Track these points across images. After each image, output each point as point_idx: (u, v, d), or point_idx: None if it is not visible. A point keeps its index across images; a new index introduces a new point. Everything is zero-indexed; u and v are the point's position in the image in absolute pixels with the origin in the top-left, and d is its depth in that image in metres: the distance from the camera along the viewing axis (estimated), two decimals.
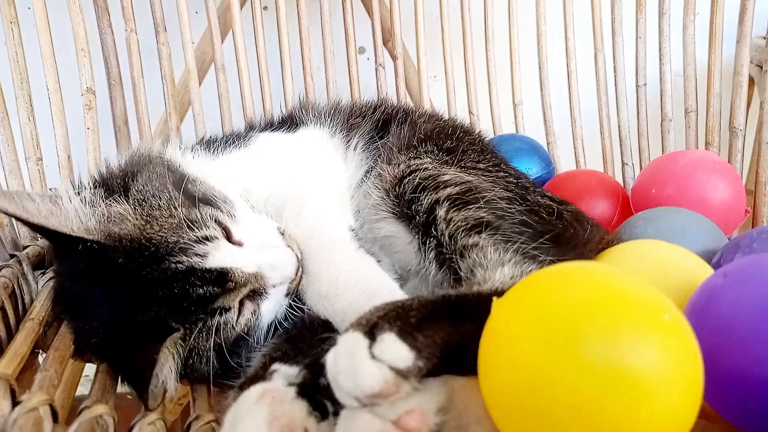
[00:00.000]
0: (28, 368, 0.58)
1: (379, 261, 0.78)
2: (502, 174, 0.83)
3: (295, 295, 0.71)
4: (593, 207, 1.00)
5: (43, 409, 0.47)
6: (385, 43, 1.40)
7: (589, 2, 1.27)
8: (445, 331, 0.49)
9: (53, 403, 0.49)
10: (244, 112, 1.19)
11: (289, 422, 0.46)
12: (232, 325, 0.64)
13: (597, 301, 0.43)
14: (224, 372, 0.64)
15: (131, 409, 0.58)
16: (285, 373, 0.53)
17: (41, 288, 0.72)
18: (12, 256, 0.74)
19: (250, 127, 1.01)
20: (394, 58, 1.35)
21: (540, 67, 1.31)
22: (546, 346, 0.41)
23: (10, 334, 0.62)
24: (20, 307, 0.68)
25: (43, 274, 0.75)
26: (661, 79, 1.18)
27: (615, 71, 1.24)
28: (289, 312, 0.70)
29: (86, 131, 0.98)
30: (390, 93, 1.33)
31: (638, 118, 1.20)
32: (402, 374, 0.45)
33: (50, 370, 0.55)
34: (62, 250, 0.64)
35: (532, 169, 1.12)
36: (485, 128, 1.32)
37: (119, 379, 0.60)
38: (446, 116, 1.09)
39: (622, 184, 1.18)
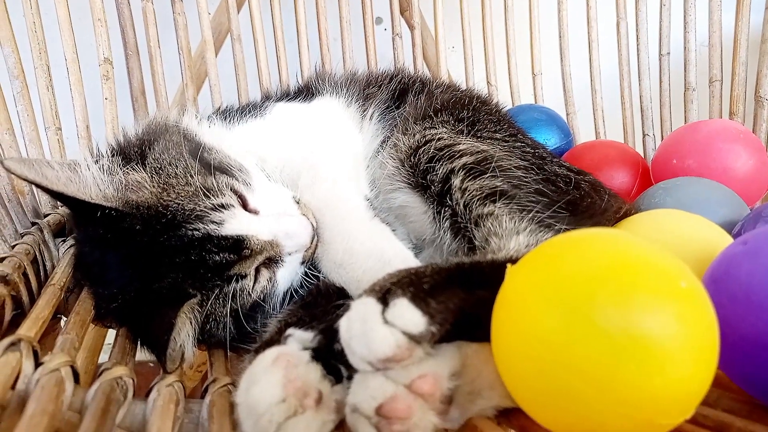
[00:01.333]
0: (50, 332, 0.60)
1: (394, 230, 0.78)
2: (519, 144, 0.82)
3: (311, 263, 0.71)
4: (612, 178, 0.99)
5: (65, 370, 0.48)
6: (402, 13, 1.38)
7: None
8: (458, 297, 0.49)
9: (74, 365, 0.50)
10: (260, 82, 1.19)
11: (304, 385, 0.46)
12: (248, 291, 0.65)
13: (612, 267, 0.42)
14: (241, 337, 0.65)
15: (152, 375, 0.60)
16: (300, 338, 0.53)
17: (62, 255, 0.73)
18: (33, 224, 0.75)
19: (267, 97, 1.01)
20: (411, 27, 1.33)
21: (560, 36, 1.29)
22: (560, 312, 0.41)
23: (33, 300, 0.64)
24: (42, 273, 0.70)
25: (64, 241, 0.76)
26: (685, 47, 1.15)
27: (638, 40, 1.21)
28: (305, 279, 0.71)
29: (104, 101, 0.99)
30: (407, 63, 1.31)
31: (660, 88, 1.18)
32: (415, 339, 0.45)
33: (71, 334, 0.56)
34: (81, 218, 0.65)
35: (550, 140, 1.11)
36: (504, 99, 1.31)
37: (138, 344, 0.62)
38: (464, 86, 1.07)
39: (642, 155, 1.16)
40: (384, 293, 0.47)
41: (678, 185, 0.82)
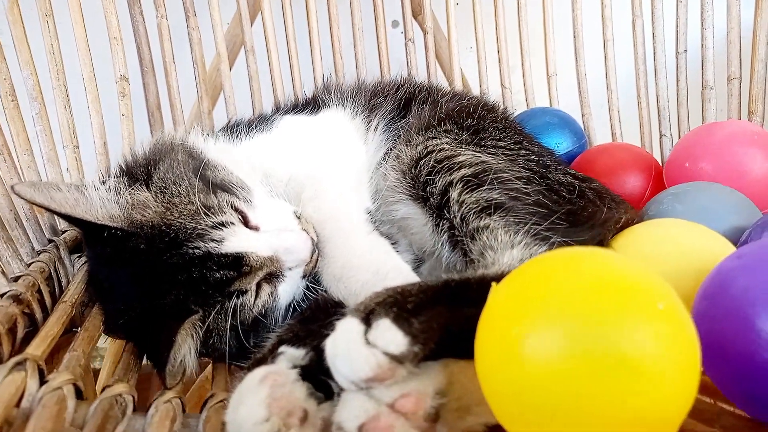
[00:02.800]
0: (65, 346, 0.63)
1: (396, 242, 0.79)
2: (523, 152, 0.82)
3: (313, 276, 0.72)
4: (624, 182, 0.98)
5: (67, 388, 0.51)
6: (415, 17, 1.38)
7: None
8: (443, 316, 0.50)
9: (77, 382, 0.53)
10: (274, 93, 1.21)
11: (289, 404, 0.47)
12: (250, 306, 0.67)
13: (591, 287, 0.42)
14: (243, 351, 0.67)
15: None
16: (290, 356, 0.55)
17: (77, 271, 0.76)
18: (50, 241, 0.79)
19: (277, 109, 1.02)
20: (424, 32, 1.33)
21: (575, 36, 1.27)
22: (539, 332, 0.42)
23: (46, 316, 0.67)
24: (57, 289, 0.73)
25: (80, 257, 0.79)
26: (702, 44, 1.11)
27: (654, 38, 1.19)
28: (307, 293, 0.72)
29: (121, 118, 1.02)
30: (420, 68, 1.31)
31: (677, 86, 1.15)
32: (396, 359, 0.46)
33: (78, 351, 0.59)
34: (90, 237, 0.68)
35: (562, 144, 1.10)
36: (518, 101, 1.30)
37: (143, 358, 0.64)
38: (473, 92, 1.07)
39: (660, 157, 1.14)
40: (367, 314, 0.48)
41: (688, 191, 0.80)
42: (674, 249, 0.62)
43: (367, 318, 0.48)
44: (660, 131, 1.17)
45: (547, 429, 0.42)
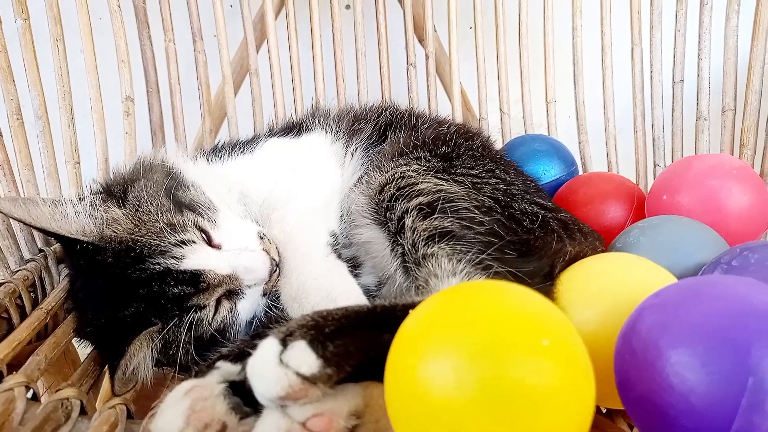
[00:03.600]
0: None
1: (361, 264, 0.82)
2: (492, 180, 0.83)
3: (274, 295, 0.76)
4: (604, 212, 0.98)
5: (18, 390, 0.55)
6: (420, 42, 1.41)
7: None
8: (361, 341, 0.52)
9: (30, 384, 0.57)
10: (275, 116, 1.25)
11: (208, 416, 0.50)
12: (208, 321, 0.70)
13: (480, 321, 0.44)
14: (203, 362, 0.70)
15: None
16: (225, 371, 0.58)
17: (61, 280, 0.82)
18: (41, 251, 0.85)
19: (270, 130, 1.06)
20: (426, 56, 1.36)
21: (574, 63, 1.27)
22: (429, 363, 0.43)
23: None
24: (40, 297, 0.78)
25: None
26: (698, 75, 1.11)
27: (651, 67, 1.18)
28: (268, 311, 0.75)
29: (124, 135, 1.09)
30: (421, 92, 1.34)
31: (672, 116, 1.14)
32: (308, 380, 0.49)
33: (40, 355, 0.63)
34: (67, 249, 0.73)
35: (550, 171, 1.10)
36: (516, 127, 1.31)
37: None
38: (456, 121, 1.09)
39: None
40: (286, 335, 0.51)
41: (655, 224, 0.80)
42: (613, 284, 0.63)
43: (285, 339, 0.50)
44: (654, 161, 1.16)
45: None
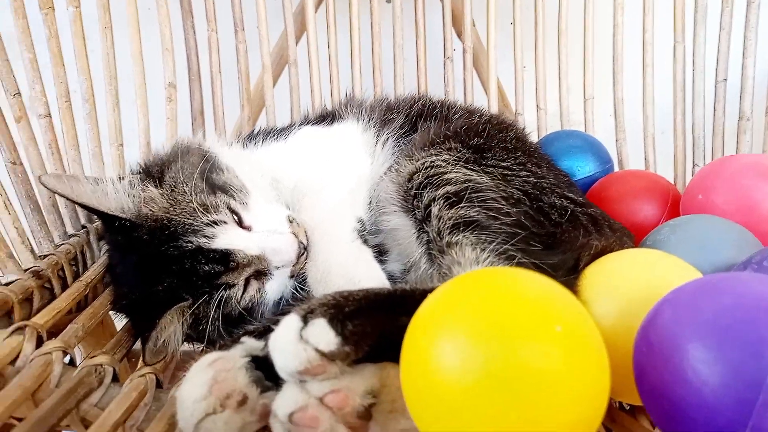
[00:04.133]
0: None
1: (387, 251, 0.83)
2: (524, 173, 0.83)
3: (302, 278, 0.77)
4: (637, 210, 0.96)
5: (56, 354, 0.59)
6: (459, 36, 1.41)
7: None
8: (380, 322, 0.53)
9: (68, 350, 0.61)
10: (312, 105, 1.28)
11: (229, 387, 0.52)
12: (237, 299, 0.73)
13: (494, 307, 0.44)
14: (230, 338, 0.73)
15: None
16: (249, 346, 0.59)
17: (101, 255, 0.86)
18: (83, 227, 0.89)
19: (305, 119, 1.08)
20: (464, 51, 1.36)
21: (614, 60, 1.25)
22: (442, 346, 0.44)
23: None
24: (81, 270, 0.82)
25: None
26: (742, 74, 1.08)
27: (694, 65, 1.15)
28: (296, 293, 0.77)
29: (166, 121, 1.12)
30: (458, 87, 1.34)
31: (714, 116, 1.11)
32: (327, 357, 0.50)
33: (78, 323, 0.67)
34: (106, 225, 0.77)
35: (584, 167, 1.09)
36: (553, 123, 1.30)
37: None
38: (489, 110, 1.08)
39: None
40: (307, 313, 0.52)
41: (686, 222, 0.79)
42: (635, 279, 0.62)
43: (306, 316, 0.52)
44: (693, 161, 1.13)
45: None
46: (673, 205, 0.96)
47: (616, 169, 1.19)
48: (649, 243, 0.80)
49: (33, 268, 0.72)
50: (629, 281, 0.63)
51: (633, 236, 0.83)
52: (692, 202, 0.90)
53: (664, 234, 0.78)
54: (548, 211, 0.77)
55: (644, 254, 0.68)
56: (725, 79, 1.11)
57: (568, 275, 0.67)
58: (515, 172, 0.82)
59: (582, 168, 1.09)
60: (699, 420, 0.43)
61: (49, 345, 0.59)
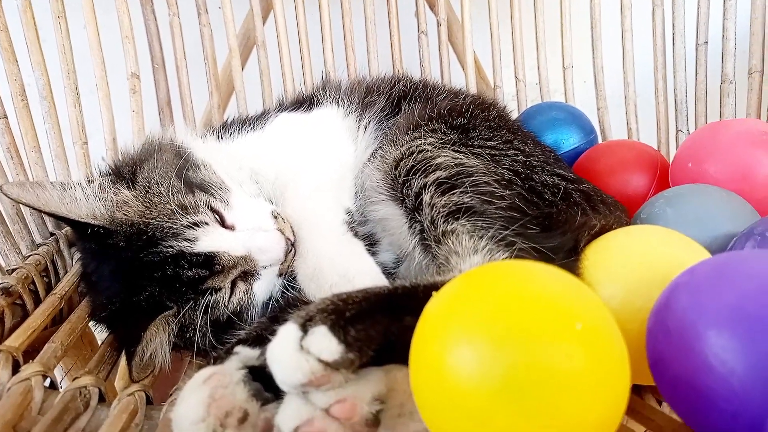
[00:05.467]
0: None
1: (377, 242, 0.80)
2: (512, 152, 0.80)
3: (291, 275, 0.74)
4: (627, 181, 0.94)
5: (35, 379, 0.55)
6: (432, 8, 1.36)
7: None
8: (382, 325, 0.50)
9: (47, 373, 0.56)
10: (284, 89, 1.22)
11: (228, 404, 0.49)
12: (224, 303, 0.69)
13: (510, 306, 0.42)
14: (221, 345, 0.69)
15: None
16: (244, 356, 0.56)
17: (74, 263, 0.81)
18: (51, 234, 0.83)
19: (279, 106, 1.04)
20: (438, 24, 1.32)
21: (592, 27, 1.23)
22: (457, 348, 0.42)
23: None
24: (53, 281, 0.77)
25: None
26: (723, 36, 1.06)
27: (674, 28, 1.13)
28: (285, 292, 0.74)
29: (131, 114, 1.06)
30: (433, 61, 1.30)
31: (696, 80, 1.10)
32: (331, 366, 0.47)
33: (56, 342, 0.62)
34: (78, 233, 0.72)
35: (569, 140, 1.07)
36: (532, 94, 1.28)
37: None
38: (470, 89, 1.05)
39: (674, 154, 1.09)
40: (306, 320, 0.49)
41: (681, 194, 0.77)
42: (642, 259, 0.60)
43: (305, 325, 0.49)
44: (676, 127, 1.12)
45: None
46: (662, 174, 0.94)
47: (599, 139, 1.17)
48: (644, 216, 0.79)
49: (2, 285, 0.67)
50: (634, 261, 0.61)
51: (627, 210, 0.82)
52: (682, 171, 0.88)
53: (659, 207, 0.77)
54: (541, 190, 0.75)
55: (644, 231, 0.66)
56: (706, 42, 1.09)
57: (569, 257, 0.65)
58: (503, 152, 0.80)
59: (566, 141, 1.07)
60: (727, 409, 0.42)
61: (28, 370, 0.55)
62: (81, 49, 1.01)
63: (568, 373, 0.39)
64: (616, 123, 1.21)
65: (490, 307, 0.42)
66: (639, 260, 0.60)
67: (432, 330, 0.45)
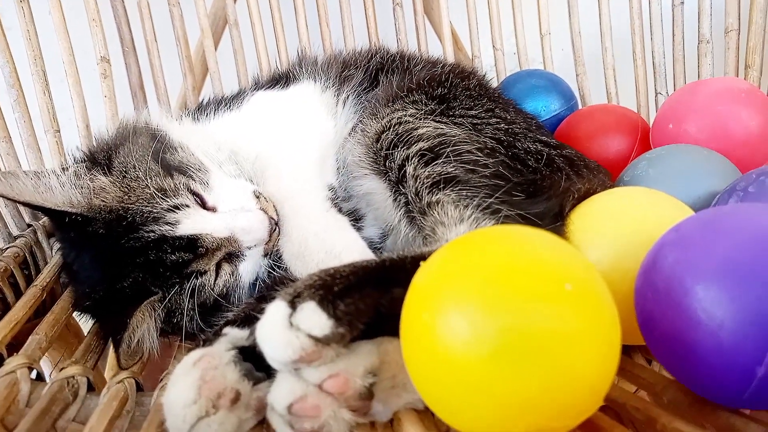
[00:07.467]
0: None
1: (362, 216, 0.79)
2: (493, 120, 0.80)
3: (277, 255, 0.73)
4: (608, 145, 0.95)
5: (21, 372, 0.54)
6: None
7: None
8: (371, 297, 0.50)
9: (33, 365, 0.55)
10: (259, 67, 1.20)
11: (219, 386, 0.49)
12: (210, 286, 0.68)
13: (498, 271, 0.42)
14: (209, 329, 0.68)
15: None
16: (233, 337, 0.56)
17: (54, 254, 0.79)
18: (29, 225, 0.81)
19: (255, 85, 1.02)
20: None
21: None
22: (446, 316, 0.41)
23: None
24: (33, 273, 0.76)
25: None
26: None
27: None
28: (271, 272, 0.73)
29: (103, 99, 1.03)
30: (410, 33, 1.28)
31: (673, 41, 1.10)
32: (321, 342, 0.47)
33: (40, 334, 0.61)
34: (55, 222, 0.70)
35: (549, 106, 1.07)
36: (510, 63, 1.27)
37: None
38: (449, 59, 1.04)
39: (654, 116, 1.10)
40: (294, 297, 0.48)
41: (662, 155, 0.77)
42: (627, 220, 0.60)
43: (293, 301, 0.48)
44: (655, 89, 1.12)
45: (466, 410, 0.43)
46: (643, 137, 0.95)
47: (580, 105, 1.17)
48: (627, 179, 0.79)
49: None
50: (620, 223, 0.61)
51: (610, 174, 0.82)
52: (663, 132, 0.88)
53: (641, 168, 0.77)
54: (524, 157, 0.75)
55: (628, 193, 0.67)
56: (682, 2, 1.09)
57: (554, 222, 0.65)
58: (485, 120, 0.79)
59: (547, 108, 1.07)
60: (715, 363, 0.42)
61: (12, 363, 0.54)
62: (47, 34, 0.98)
63: (560, 334, 0.39)
64: (596, 88, 1.21)
65: (479, 273, 0.42)
66: (624, 222, 0.61)
67: (422, 299, 0.44)
